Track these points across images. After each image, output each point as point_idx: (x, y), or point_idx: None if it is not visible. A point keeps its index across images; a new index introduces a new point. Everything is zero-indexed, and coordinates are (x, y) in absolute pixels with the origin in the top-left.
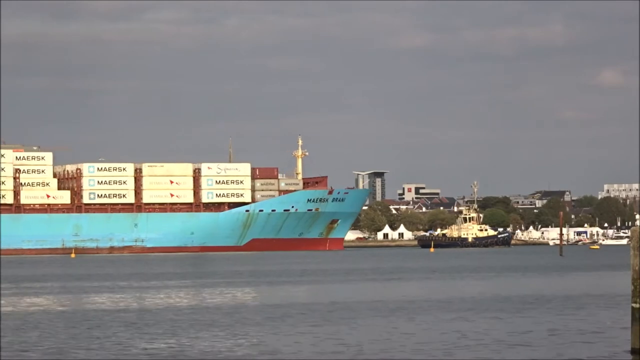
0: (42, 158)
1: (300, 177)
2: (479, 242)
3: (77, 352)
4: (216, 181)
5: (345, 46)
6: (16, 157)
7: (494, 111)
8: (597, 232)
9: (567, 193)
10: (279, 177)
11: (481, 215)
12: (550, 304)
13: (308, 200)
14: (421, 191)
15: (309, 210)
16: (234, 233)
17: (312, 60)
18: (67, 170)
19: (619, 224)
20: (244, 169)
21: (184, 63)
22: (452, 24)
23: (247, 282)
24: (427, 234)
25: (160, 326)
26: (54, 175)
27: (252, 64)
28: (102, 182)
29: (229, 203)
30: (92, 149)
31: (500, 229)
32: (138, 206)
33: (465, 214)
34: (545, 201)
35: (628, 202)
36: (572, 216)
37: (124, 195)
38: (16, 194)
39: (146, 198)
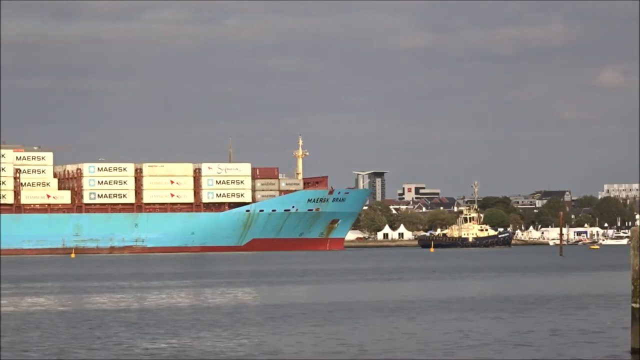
0: (43, 158)
1: (300, 177)
2: (479, 242)
3: (78, 352)
4: (216, 181)
5: (345, 46)
6: (16, 157)
7: (494, 111)
8: (597, 232)
9: (567, 193)
10: (280, 177)
11: (482, 215)
12: (550, 304)
13: (308, 200)
14: (421, 191)
15: (309, 210)
16: (235, 233)
17: (312, 60)
18: (68, 170)
19: (619, 224)
20: (245, 169)
21: (184, 63)
22: (452, 24)
23: (247, 282)
24: (428, 234)
25: (162, 326)
26: (55, 175)
27: (252, 64)
28: (102, 182)
29: (230, 203)
30: (92, 149)
31: (501, 229)
32: (138, 206)
33: (466, 214)
34: (545, 201)
35: (628, 202)
36: (572, 216)
37: (124, 195)
38: (16, 194)
39: (146, 198)
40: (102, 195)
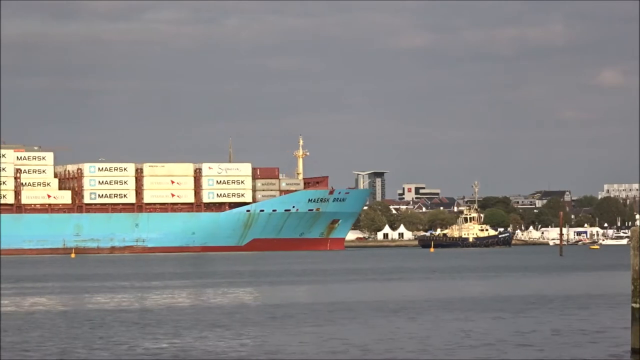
0: (43, 158)
1: (301, 177)
2: (479, 242)
3: (79, 352)
4: (217, 181)
5: (345, 46)
6: (17, 157)
7: (494, 111)
8: (597, 232)
9: (567, 193)
10: (280, 177)
11: (482, 215)
12: (550, 304)
13: (309, 200)
14: (421, 191)
15: (309, 210)
16: (235, 233)
17: (312, 60)
18: (68, 170)
19: (619, 224)
20: (245, 169)
21: (184, 63)
22: (452, 24)
23: (248, 282)
24: (428, 234)
25: (163, 326)
26: (55, 175)
27: (252, 64)
28: (103, 182)
29: (230, 203)
30: (92, 149)
31: (501, 229)
32: (139, 206)
33: (466, 214)
34: (545, 201)
35: (628, 202)
36: (572, 216)
37: (124, 195)
38: (17, 194)
39: (147, 198)
40: (102, 195)
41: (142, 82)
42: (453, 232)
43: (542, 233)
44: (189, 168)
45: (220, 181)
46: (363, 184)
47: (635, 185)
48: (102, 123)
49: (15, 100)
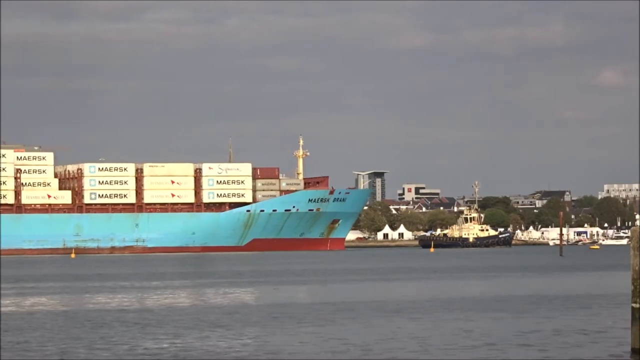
0: (43, 158)
1: (301, 177)
2: (480, 242)
3: (80, 352)
4: (217, 181)
5: (345, 46)
6: (17, 157)
7: (494, 111)
8: (597, 232)
9: (567, 193)
10: (280, 177)
11: (482, 215)
12: (550, 304)
13: (309, 200)
14: (421, 191)
15: (310, 210)
16: (235, 233)
17: (312, 60)
18: (68, 170)
19: (619, 224)
20: (245, 169)
21: (184, 63)
22: (452, 24)
23: (248, 282)
24: (428, 234)
25: (164, 326)
26: (55, 175)
27: (252, 64)
28: (103, 182)
29: (230, 203)
30: (92, 149)
31: (501, 229)
32: (139, 206)
33: (467, 214)
34: (545, 201)
35: (628, 202)
36: (572, 216)
37: (125, 196)
38: (17, 194)
39: (147, 198)
40: (102, 195)
41: (142, 82)
42: (453, 232)
43: (542, 233)
44: (189, 168)
45: (221, 181)
46: (363, 184)
47: (635, 185)
48: (102, 123)
49: (15, 100)
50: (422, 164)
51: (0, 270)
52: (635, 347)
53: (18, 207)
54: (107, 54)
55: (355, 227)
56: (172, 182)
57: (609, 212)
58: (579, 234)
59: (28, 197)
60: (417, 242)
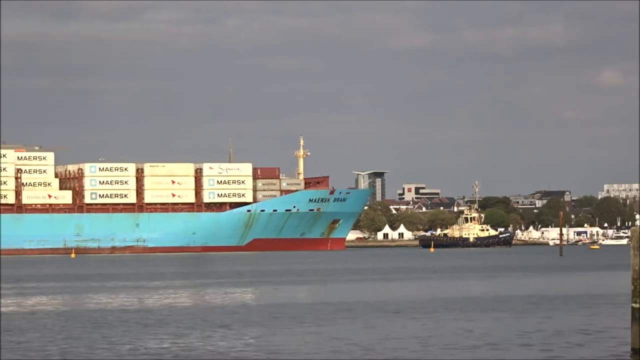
0: (44, 158)
1: (301, 177)
2: (480, 242)
3: (81, 352)
4: (218, 181)
5: (345, 46)
6: (18, 157)
7: (494, 111)
8: (597, 232)
9: (567, 193)
10: (281, 177)
11: (482, 215)
12: (550, 304)
13: (310, 200)
14: (421, 191)
15: (310, 210)
16: (236, 233)
17: (312, 60)
18: (69, 170)
19: (619, 224)
20: (246, 169)
21: (184, 63)
22: (452, 24)
23: (249, 282)
24: (429, 234)
25: (165, 326)
26: (56, 175)
27: (252, 64)
28: (103, 182)
29: (231, 203)
30: (92, 149)
31: (502, 229)
32: (140, 206)
33: (467, 214)
34: (545, 201)
35: (628, 202)
36: (572, 216)
37: (125, 195)
38: (18, 194)
39: (148, 198)
40: (103, 195)
41: (142, 82)
42: (454, 232)
43: (542, 233)
44: (189, 168)
45: (221, 181)
46: (363, 184)
47: (635, 185)
48: (102, 123)
49: (15, 100)
50: (422, 164)
51: (0, 270)
52: (635, 347)
53: (19, 207)
54: (107, 54)
55: (355, 227)
56: (173, 182)
57: (609, 212)
58: (579, 234)
59: (29, 197)
60: (417, 242)
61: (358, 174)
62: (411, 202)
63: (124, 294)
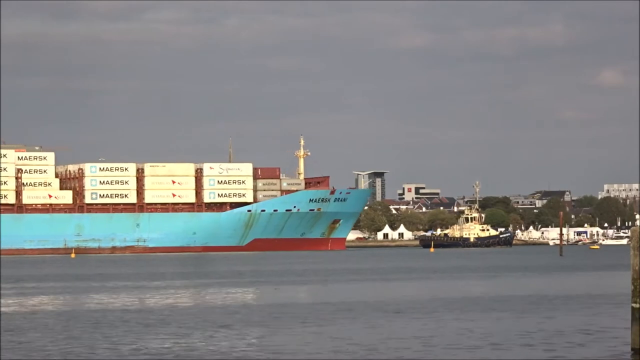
0: (44, 158)
1: (302, 177)
2: (480, 242)
3: (82, 352)
4: (218, 181)
5: (345, 46)
6: (18, 157)
7: (494, 111)
8: (597, 232)
9: (567, 193)
10: (281, 177)
11: (483, 215)
12: (550, 304)
13: (310, 200)
14: (421, 191)
15: (311, 210)
16: (236, 233)
17: (312, 60)
18: (69, 170)
19: (619, 224)
20: (246, 169)
21: (184, 63)
22: (452, 24)
23: (249, 282)
24: (429, 234)
25: (165, 326)
26: (56, 175)
27: (252, 64)
28: (104, 182)
29: (231, 203)
30: (92, 149)
31: (502, 229)
32: (140, 206)
33: (467, 214)
34: (545, 201)
35: (628, 202)
36: (572, 216)
37: (126, 195)
38: (18, 193)
39: (148, 198)
40: (103, 195)
41: (142, 82)
42: (454, 232)
43: (542, 233)
44: (190, 168)
45: (221, 181)
46: (363, 184)
47: (635, 185)
48: (102, 123)
49: (15, 100)
50: (422, 164)
51: (0, 270)
52: (635, 347)
53: (19, 207)
54: (107, 54)
55: (355, 227)
56: (173, 182)
57: (609, 212)
58: (579, 234)
59: (29, 197)
60: (417, 242)
61: (358, 174)
62: (411, 202)
63: (124, 294)
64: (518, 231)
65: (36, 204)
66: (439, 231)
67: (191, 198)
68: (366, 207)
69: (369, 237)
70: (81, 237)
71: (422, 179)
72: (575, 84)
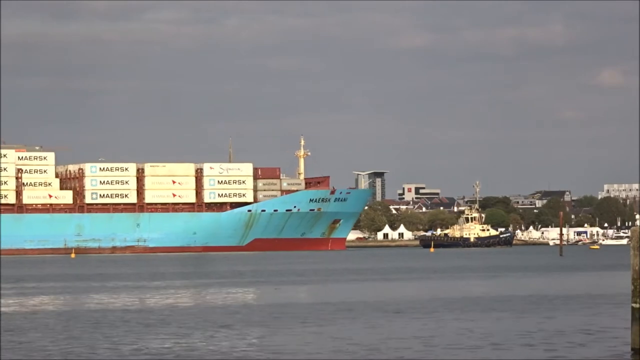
0: (45, 158)
1: (302, 177)
2: (481, 242)
3: (82, 352)
4: (218, 181)
5: (345, 46)
6: (18, 157)
7: (494, 111)
8: (597, 232)
9: (567, 193)
10: (281, 177)
11: (483, 215)
12: (550, 304)
13: (310, 200)
14: (421, 191)
15: (311, 210)
16: (236, 233)
17: (312, 60)
18: (70, 170)
19: (619, 224)
20: (246, 169)
21: (184, 63)
22: (452, 24)
23: (250, 282)
24: (429, 234)
25: (166, 326)
26: (56, 175)
27: (252, 64)
28: (104, 182)
29: (231, 203)
30: (92, 149)
31: (502, 229)
32: (140, 206)
33: (468, 214)
34: (545, 201)
35: (628, 202)
36: (572, 216)
37: (126, 195)
38: (18, 193)
39: (148, 198)
40: (104, 195)
41: (142, 82)
42: (454, 232)
43: (542, 233)
44: (190, 168)
45: (222, 181)
46: (364, 184)
47: (635, 185)
48: (102, 123)
49: (15, 100)
50: (422, 164)
51: (0, 270)
52: (635, 347)
53: (19, 207)
54: (107, 54)
55: (355, 227)
56: (173, 182)
57: (609, 212)
58: (579, 234)
59: (29, 197)
60: (417, 242)
61: (358, 174)
62: (411, 202)
63: (125, 294)
64: (518, 231)
65: (36, 204)
66: (439, 231)
67: (191, 198)
68: (366, 207)
69: (369, 237)
70: (81, 237)
71: (422, 179)
72: (575, 84)
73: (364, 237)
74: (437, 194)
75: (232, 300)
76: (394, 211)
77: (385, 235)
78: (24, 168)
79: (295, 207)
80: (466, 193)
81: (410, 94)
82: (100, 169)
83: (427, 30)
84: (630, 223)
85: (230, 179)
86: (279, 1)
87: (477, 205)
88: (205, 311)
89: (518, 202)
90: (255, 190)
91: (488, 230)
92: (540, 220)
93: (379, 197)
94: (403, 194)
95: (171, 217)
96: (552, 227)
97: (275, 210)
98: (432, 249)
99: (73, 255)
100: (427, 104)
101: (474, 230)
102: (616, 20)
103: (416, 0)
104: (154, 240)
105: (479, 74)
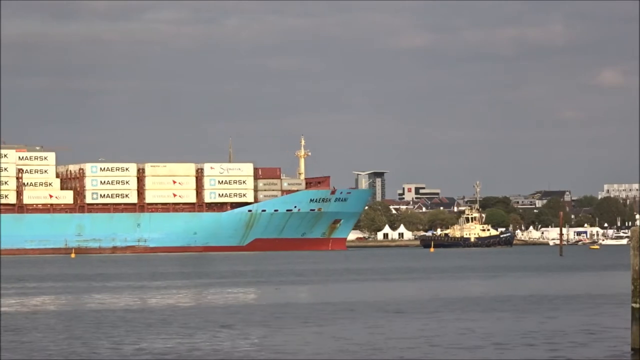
0: (45, 158)
1: (302, 177)
2: (481, 242)
3: (83, 352)
4: (219, 181)
5: (345, 46)
6: (19, 157)
7: (494, 111)
8: (597, 232)
9: (567, 193)
10: (282, 177)
11: (483, 215)
12: (551, 304)
13: (311, 200)
14: (421, 191)
15: (311, 210)
16: (237, 233)
17: (312, 60)
18: (70, 170)
19: (619, 224)
20: (247, 169)
21: (184, 63)
22: (452, 24)
23: (250, 282)
24: (429, 233)
25: (167, 326)
26: (57, 175)
27: (252, 64)
28: (104, 182)
29: (232, 203)
30: (92, 149)
31: (502, 229)
32: (141, 206)
33: (468, 214)
34: (545, 201)
35: (628, 202)
36: (572, 216)
37: (126, 195)
38: (19, 193)
39: (149, 198)
40: (104, 195)
41: (142, 82)
42: (455, 232)
43: (542, 233)
44: (190, 168)
45: (222, 181)
46: (364, 184)
47: (635, 185)
48: (102, 123)
49: (15, 100)
50: (422, 164)
51: (0, 270)
52: (635, 347)
53: (20, 207)
54: (107, 54)
55: (356, 227)
56: (174, 182)
57: (609, 212)
58: (579, 234)
59: (30, 197)
60: (417, 242)
61: (358, 174)
62: (411, 202)
63: (125, 294)
64: (518, 231)
65: (37, 204)
66: (439, 231)
67: (192, 198)
68: (366, 207)
69: (369, 237)
70: (82, 237)
71: (422, 179)
72: (575, 84)
73: (364, 237)
74: (437, 194)
75: (233, 300)
76: (394, 211)
77: (386, 235)
78: (24, 168)
79: (295, 207)
80: (466, 193)
81: (410, 94)
82: (100, 169)
83: (427, 30)
84: (630, 223)
85: (231, 179)
86: (279, 1)
87: (477, 205)
88: (206, 311)
89: (518, 202)
90: (255, 190)
91: (488, 230)
92: (540, 220)
93: (379, 197)
94: (403, 194)
95: (172, 217)
96: (552, 227)
97: (275, 210)
98: (432, 249)
99: (73, 255)
100: (427, 104)
101: (474, 230)
102: (616, 20)
103: (416, 0)
104: (154, 240)
105: (479, 74)
